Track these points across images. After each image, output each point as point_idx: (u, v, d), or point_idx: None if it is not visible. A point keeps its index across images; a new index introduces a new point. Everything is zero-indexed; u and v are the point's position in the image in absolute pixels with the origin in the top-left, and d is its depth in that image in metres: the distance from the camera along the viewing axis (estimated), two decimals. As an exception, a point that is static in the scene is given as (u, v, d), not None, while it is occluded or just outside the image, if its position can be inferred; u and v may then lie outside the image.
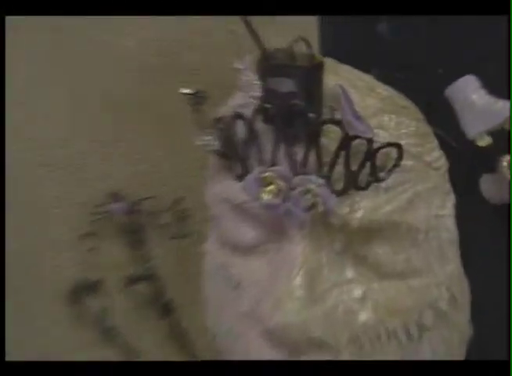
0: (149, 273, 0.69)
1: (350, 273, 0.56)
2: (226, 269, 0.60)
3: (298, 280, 0.53)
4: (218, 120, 0.56)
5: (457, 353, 0.59)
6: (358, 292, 0.55)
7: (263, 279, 0.57)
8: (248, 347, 0.58)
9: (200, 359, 0.62)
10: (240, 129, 0.54)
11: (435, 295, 0.56)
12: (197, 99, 0.57)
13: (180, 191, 0.70)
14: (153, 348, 0.70)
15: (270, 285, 0.55)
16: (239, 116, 0.54)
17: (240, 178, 0.55)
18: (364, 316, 0.55)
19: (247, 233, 0.58)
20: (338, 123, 0.51)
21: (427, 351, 0.57)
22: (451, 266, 0.58)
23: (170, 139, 0.71)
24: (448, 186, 0.59)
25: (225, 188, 0.58)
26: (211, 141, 0.56)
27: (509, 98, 0.60)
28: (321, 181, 0.52)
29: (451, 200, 0.59)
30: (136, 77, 0.70)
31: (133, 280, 0.69)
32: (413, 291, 0.56)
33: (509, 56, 0.61)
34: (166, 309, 0.68)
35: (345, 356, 0.54)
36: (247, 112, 0.53)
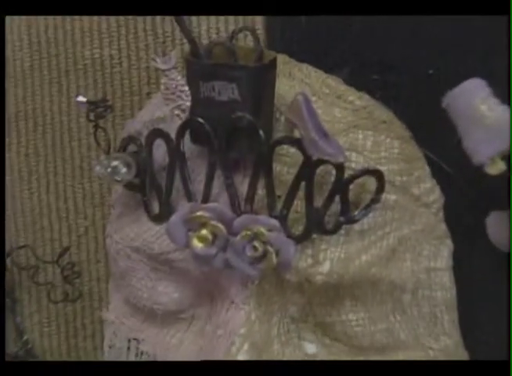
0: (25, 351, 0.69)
1: (311, 348, 0.58)
2: (136, 346, 0.61)
3: (241, 357, 0.55)
4: (129, 139, 0.57)
5: None
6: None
7: (189, 356, 0.59)
8: None
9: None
10: (160, 152, 0.55)
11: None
12: (99, 111, 0.58)
13: (66, 238, 0.71)
14: None
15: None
16: (158, 133, 0.54)
17: (160, 219, 0.55)
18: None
19: (168, 294, 0.59)
20: (297, 143, 0.52)
21: None
22: (446, 338, 0.60)
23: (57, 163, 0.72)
24: (443, 228, 0.61)
25: (138, 232, 0.59)
26: (118, 168, 0.56)
27: (509, 98, 0.63)
28: (274, 222, 0.53)
29: (447, 248, 0.61)
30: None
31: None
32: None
33: (509, 55, 0.64)
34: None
35: None
36: (171, 128, 0.54)
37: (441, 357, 0.60)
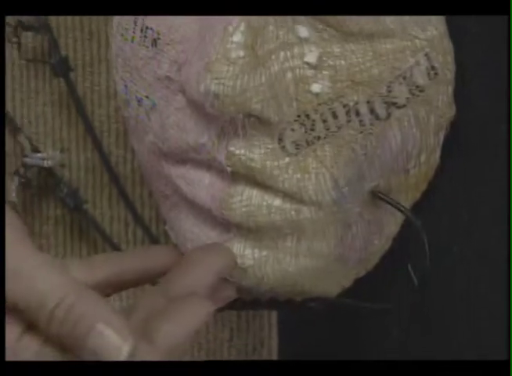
0: (38, 22, 0.71)
1: (303, 31, 0.59)
2: (142, 22, 0.63)
3: (237, 37, 0.57)
4: None
5: (432, 141, 0.65)
6: (312, 56, 0.59)
7: (190, 35, 0.61)
8: (165, 120, 0.62)
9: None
10: None
11: (410, 64, 0.61)
12: None
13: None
14: (40, 117, 0.75)
15: (199, 43, 0.59)
16: None
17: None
18: (318, 86, 0.59)
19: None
20: None
21: (396, 134, 0.62)
22: (433, 28, 0.61)
23: None
24: None
25: None
26: None
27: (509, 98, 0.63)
28: None
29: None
30: None
31: (18, 30, 0.72)
32: (383, 57, 0.60)
33: (509, 55, 0.64)
34: (59, 67, 0.71)
35: (289, 137, 0.60)
36: None
37: (426, 48, 0.61)
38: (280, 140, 0.60)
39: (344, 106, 0.60)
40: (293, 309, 0.69)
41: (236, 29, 0.57)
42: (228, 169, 0.60)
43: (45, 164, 0.72)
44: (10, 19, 0.72)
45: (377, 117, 0.61)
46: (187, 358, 0.74)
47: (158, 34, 0.62)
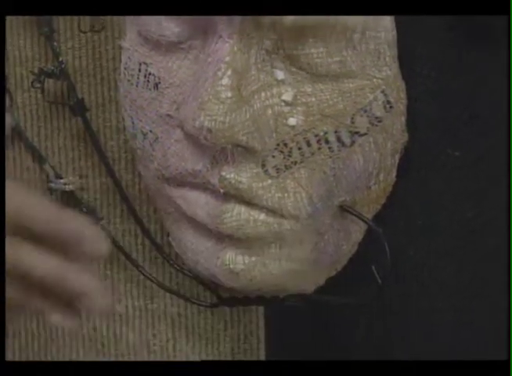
0: (58, 69, 0.71)
1: (280, 74, 0.60)
2: (145, 68, 0.63)
3: (225, 80, 0.57)
4: None
5: (389, 162, 0.65)
6: (288, 95, 0.60)
7: (185, 79, 0.61)
8: (167, 150, 0.63)
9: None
10: None
11: (369, 100, 0.61)
12: None
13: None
14: (62, 149, 0.74)
15: (194, 86, 0.60)
16: None
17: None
18: (293, 120, 0.60)
19: (171, 28, 0.60)
20: None
21: (359, 158, 0.63)
22: (388, 69, 0.62)
23: None
24: None
25: None
26: None
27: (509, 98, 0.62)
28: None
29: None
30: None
31: (41, 77, 0.72)
32: (347, 94, 0.61)
33: (509, 55, 0.62)
34: (77, 108, 0.71)
35: (271, 163, 0.60)
36: None
37: (382, 85, 0.61)
38: (263, 165, 0.60)
39: (316, 135, 0.61)
40: (277, 305, 0.69)
41: (224, 74, 0.57)
42: (221, 190, 0.60)
43: (67, 188, 0.72)
44: (34, 68, 0.72)
45: (343, 144, 0.62)
46: (189, 347, 0.74)
47: (159, 79, 0.63)
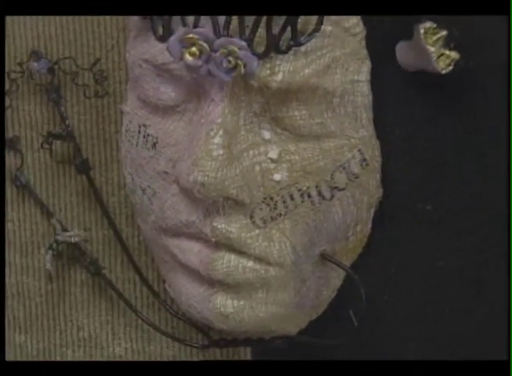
0: (65, 132, 0.71)
1: (267, 135, 0.60)
2: (144, 129, 0.64)
3: (217, 140, 0.57)
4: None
5: (365, 215, 0.65)
6: (274, 153, 0.60)
7: (181, 139, 0.62)
8: (164, 204, 0.62)
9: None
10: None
11: (348, 158, 0.62)
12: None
13: (98, 52, 0.72)
14: (68, 204, 0.74)
15: (188, 145, 0.60)
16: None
17: (163, 38, 0.57)
18: (279, 176, 0.60)
19: (168, 93, 0.61)
20: None
21: (338, 211, 0.63)
22: (364, 130, 0.63)
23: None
24: (364, 52, 0.62)
25: (147, 48, 0.60)
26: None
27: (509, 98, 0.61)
28: (243, 43, 0.55)
29: (366, 66, 0.63)
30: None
31: (49, 139, 0.72)
32: (327, 153, 0.61)
33: (509, 55, 0.61)
34: (82, 167, 0.71)
35: (258, 214, 0.60)
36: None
37: (359, 145, 0.62)
38: (251, 217, 0.60)
39: (299, 190, 0.61)
40: (263, 346, 0.68)
41: (216, 134, 0.57)
42: (213, 239, 0.60)
43: (73, 240, 0.72)
44: (43, 131, 0.72)
45: (324, 198, 0.62)
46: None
47: (157, 139, 0.63)
